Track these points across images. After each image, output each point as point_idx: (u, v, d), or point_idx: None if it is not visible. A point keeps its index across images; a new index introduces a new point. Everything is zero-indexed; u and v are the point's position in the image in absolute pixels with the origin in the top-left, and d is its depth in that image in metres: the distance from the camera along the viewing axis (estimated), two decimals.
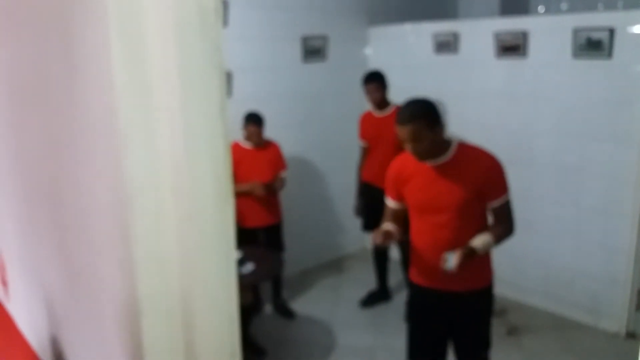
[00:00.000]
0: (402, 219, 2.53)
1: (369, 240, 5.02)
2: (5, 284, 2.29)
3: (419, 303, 2.60)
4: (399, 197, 2.50)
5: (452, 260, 2.20)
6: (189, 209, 1.04)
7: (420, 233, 2.46)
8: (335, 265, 5.22)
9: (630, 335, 3.83)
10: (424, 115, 2.26)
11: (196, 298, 1.08)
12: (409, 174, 2.42)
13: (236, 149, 3.94)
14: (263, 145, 3.95)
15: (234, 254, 1.12)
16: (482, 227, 2.38)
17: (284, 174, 4.06)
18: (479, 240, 2.29)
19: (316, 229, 5.07)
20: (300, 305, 4.43)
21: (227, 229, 1.09)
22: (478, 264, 2.37)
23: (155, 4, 0.99)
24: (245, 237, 4.02)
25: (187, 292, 1.07)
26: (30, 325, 1.97)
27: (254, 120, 3.84)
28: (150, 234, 1.02)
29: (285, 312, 4.19)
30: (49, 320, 1.64)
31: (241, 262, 3.37)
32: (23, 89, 1.51)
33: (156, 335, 1.07)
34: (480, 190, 2.31)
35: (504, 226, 2.39)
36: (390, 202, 2.56)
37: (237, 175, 3.92)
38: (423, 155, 2.29)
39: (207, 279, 1.08)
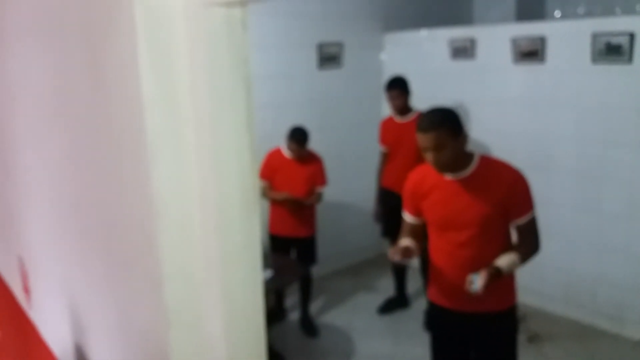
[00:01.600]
0: (420, 234, 2.42)
1: (387, 246, 5.00)
2: (27, 291, 2.31)
3: (440, 324, 2.49)
4: (417, 212, 2.39)
5: (477, 282, 2.08)
6: (215, 221, 1.04)
7: (440, 251, 2.34)
8: (353, 271, 5.21)
9: None
10: (447, 122, 2.15)
11: (223, 309, 1.07)
12: (428, 188, 2.31)
13: (276, 155, 3.93)
14: (305, 159, 3.91)
15: (260, 264, 1.12)
16: (505, 246, 2.27)
17: (321, 189, 4.01)
18: (505, 260, 2.17)
19: (333, 235, 5.06)
20: (319, 311, 4.42)
21: (254, 239, 1.09)
22: (502, 284, 2.25)
23: (183, 15, 1.00)
24: (278, 245, 4.03)
25: (214, 303, 1.07)
26: (53, 333, 1.99)
27: (295, 139, 3.80)
28: (178, 246, 1.03)
29: (308, 329, 4.14)
30: (74, 329, 1.65)
31: None
32: (51, 100, 1.52)
33: (184, 347, 1.07)
34: (505, 206, 2.20)
35: (530, 245, 2.27)
36: (408, 217, 2.45)
37: (274, 182, 3.92)
38: (444, 166, 2.18)
39: (234, 289, 1.08)
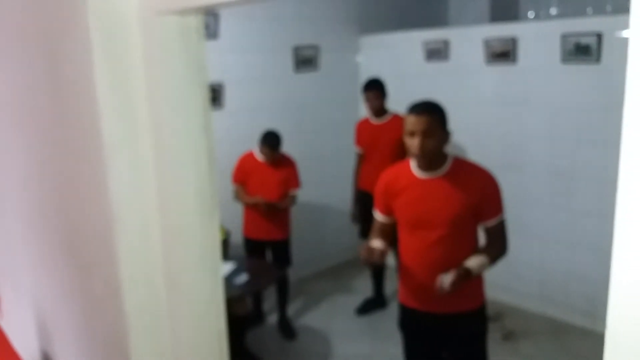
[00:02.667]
0: (391, 233, 2.42)
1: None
2: None
3: (410, 325, 2.50)
4: (389, 211, 2.40)
5: (445, 279, 2.10)
6: (174, 226, 1.05)
7: (410, 251, 2.34)
8: (331, 273, 5.23)
9: None
10: (440, 111, 2.20)
11: (183, 314, 1.08)
12: (401, 187, 2.31)
13: (249, 159, 3.92)
14: (278, 162, 3.90)
15: (220, 269, 1.14)
16: (474, 247, 2.30)
17: (295, 192, 4.01)
18: (474, 262, 2.19)
19: (311, 237, 5.08)
20: (297, 313, 4.43)
21: (213, 244, 1.10)
22: (470, 285, 2.27)
23: (138, 23, 1.01)
24: (253, 248, 4.02)
25: (173, 308, 1.08)
26: (23, 342, 1.97)
27: (267, 143, 3.77)
28: (136, 251, 1.04)
29: (286, 331, 4.14)
30: (41, 337, 1.64)
31: (236, 273, 3.38)
32: (13, 110, 1.52)
33: (144, 351, 1.08)
34: (476, 207, 2.22)
35: (499, 247, 2.29)
36: (379, 216, 2.45)
37: (247, 186, 3.92)
38: (427, 154, 2.17)
39: (194, 294, 1.09)
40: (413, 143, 2.17)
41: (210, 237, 1.09)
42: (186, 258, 1.07)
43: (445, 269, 2.17)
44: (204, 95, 1.06)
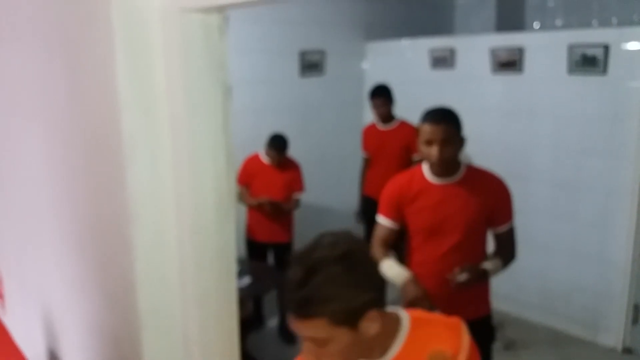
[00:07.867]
0: (393, 241, 2.38)
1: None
2: (1, 296, 2.28)
3: None
4: (399, 217, 2.34)
5: (461, 276, 2.10)
6: (190, 224, 1.04)
7: (424, 258, 2.30)
8: None
9: (627, 350, 3.83)
10: (456, 119, 2.18)
11: (196, 312, 1.08)
12: (415, 194, 2.28)
13: (254, 161, 3.92)
14: (283, 165, 3.90)
15: (235, 269, 1.13)
16: (485, 253, 2.30)
17: (299, 195, 4.01)
18: (491, 264, 2.20)
19: None
20: None
21: (228, 244, 1.09)
22: (478, 292, 2.28)
23: (160, 20, 1.01)
24: (255, 251, 4.01)
25: (187, 306, 1.08)
26: (26, 338, 1.96)
27: (274, 147, 3.78)
28: (152, 249, 1.03)
29: (286, 336, 4.11)
30: (47, 333, 1.63)
31: (237, 275, 3.36)
32: (29, 104, 1.51)
33: (156, 349, 1.07)
34: (489, 213, 2.23)
35: (509, 253, 2.31)
36: (386, 222, 2.36)
37: (251, 188, 3.92)
38: (446, 163, 2.17)
39: (208, 293, 1.08)
40: (431, 152, 2.15)
41: (225, 236, 1.08)
42: (201, 256, 1.06)
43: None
44: (224, 94, 1.06)
